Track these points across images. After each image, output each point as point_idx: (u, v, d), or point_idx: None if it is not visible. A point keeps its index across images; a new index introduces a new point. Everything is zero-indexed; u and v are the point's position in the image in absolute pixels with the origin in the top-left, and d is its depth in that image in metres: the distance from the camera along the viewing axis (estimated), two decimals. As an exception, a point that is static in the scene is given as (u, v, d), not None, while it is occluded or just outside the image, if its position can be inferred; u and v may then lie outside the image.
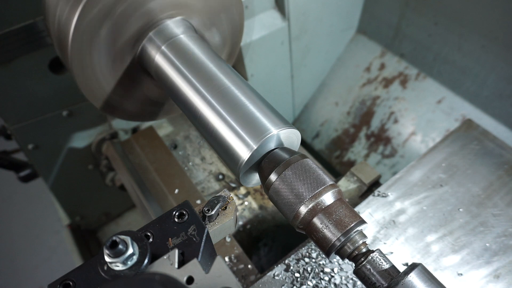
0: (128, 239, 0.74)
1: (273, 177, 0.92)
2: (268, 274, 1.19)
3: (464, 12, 1.92)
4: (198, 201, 1.59)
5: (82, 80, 1.17)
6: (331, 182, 0.89)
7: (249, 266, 1.37)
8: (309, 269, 1.19)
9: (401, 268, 0.81)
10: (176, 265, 0.75)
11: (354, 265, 0.84)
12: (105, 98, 1.26)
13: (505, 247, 1.18)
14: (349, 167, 1.64)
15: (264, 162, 0.96)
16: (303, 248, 1.24)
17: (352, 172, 1.46)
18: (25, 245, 3.41)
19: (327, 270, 1.19)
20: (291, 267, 1.20)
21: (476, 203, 1.28)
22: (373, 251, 0.83)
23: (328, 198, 0.87)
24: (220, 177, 1.79)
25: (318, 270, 1.19)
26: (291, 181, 0.89)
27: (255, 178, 1.04)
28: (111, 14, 1.07)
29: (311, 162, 0.93)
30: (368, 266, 0.81)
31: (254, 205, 1.69)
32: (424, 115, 2.18)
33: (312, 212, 0.86)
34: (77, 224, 2.50)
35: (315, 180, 0.88)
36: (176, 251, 0.77)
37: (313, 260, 1.21)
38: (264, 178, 0.94)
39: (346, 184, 1.44)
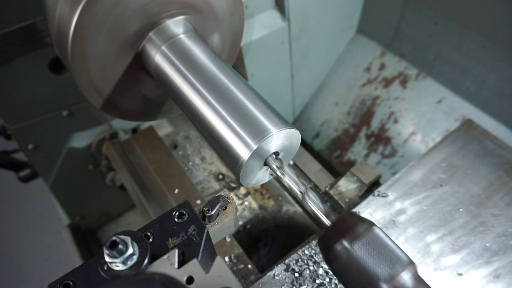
0: (128, 239, 0.74)
1: (340, 249, 0.77)
2: (268, 274, 1.19)
3: (464, 12, 1.92)
4: (198, 201, 1.59)
5: (82, 80, 1.17)
6: (408, 259, 0.77)
7: (249, 266, 1.37)
8: (309, 269, 1.19)
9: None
10: (176, 265, 0.75)
11: None
12: (105, 98, 1.26)
13: (505, 247, 1.18)
14: (349, 167, 1.64)
15: (326, 230, 0.83)
16: (303, 248, 1.24)
17: (352, 172, 1.46)
18: (25, 245, 3.41)
19: (327, 270, 1.19)
20: (291, 267, 1.20)
21: (476, 203, 1.28)
22: None
23: (407, 279, 0.75)
24: (220, 177, 1.79)
25: (318, 270, 1.19)
26: (362, 258, 0.76)
27: (255, 178, 1.04)
28: (111, 14, 1.07)
29: (380, 231, 0.79)
30: None
31: (254, 205, 1.69)
32: (424, 115, 2.18)
33: None
34: (77, 224, 2.51)
35: (390, 257, 0.75)
36: (176, 251, 0.77)
37: (313, 260, 1.21)
38: (325, 247, 0.80)
39: (346, 184, 1.44)
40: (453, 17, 1.97)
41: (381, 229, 0.80)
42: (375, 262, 0.75)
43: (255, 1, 1.87)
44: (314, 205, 0.88)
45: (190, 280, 0.73)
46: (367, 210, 1.30)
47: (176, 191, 1.63)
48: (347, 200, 1.40)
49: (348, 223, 0.80)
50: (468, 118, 1.51)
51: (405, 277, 0.75)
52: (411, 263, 0.76)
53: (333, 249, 0.78)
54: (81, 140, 2.01)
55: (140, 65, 1.23)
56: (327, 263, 0.81)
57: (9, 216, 3.61)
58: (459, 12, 1.94)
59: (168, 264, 0.75)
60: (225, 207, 0.93)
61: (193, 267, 0.74)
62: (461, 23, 1.95)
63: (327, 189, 1.45)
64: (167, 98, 1.42)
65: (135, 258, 0.74)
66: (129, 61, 1.21)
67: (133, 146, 1.83)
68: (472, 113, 2.05)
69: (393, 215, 1.28)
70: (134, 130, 2.13)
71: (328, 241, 0.79)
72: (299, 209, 1.69)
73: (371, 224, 0.79)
